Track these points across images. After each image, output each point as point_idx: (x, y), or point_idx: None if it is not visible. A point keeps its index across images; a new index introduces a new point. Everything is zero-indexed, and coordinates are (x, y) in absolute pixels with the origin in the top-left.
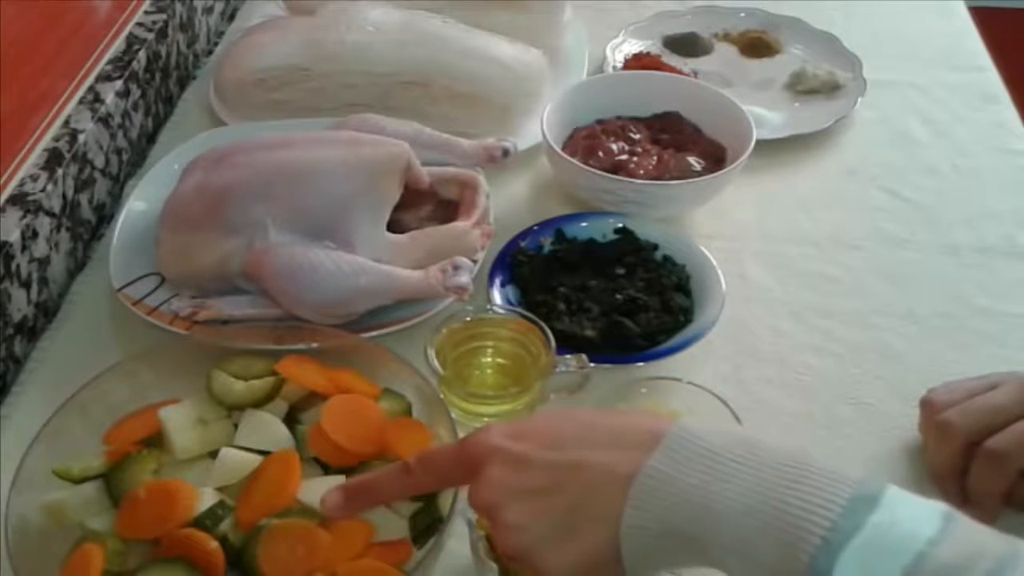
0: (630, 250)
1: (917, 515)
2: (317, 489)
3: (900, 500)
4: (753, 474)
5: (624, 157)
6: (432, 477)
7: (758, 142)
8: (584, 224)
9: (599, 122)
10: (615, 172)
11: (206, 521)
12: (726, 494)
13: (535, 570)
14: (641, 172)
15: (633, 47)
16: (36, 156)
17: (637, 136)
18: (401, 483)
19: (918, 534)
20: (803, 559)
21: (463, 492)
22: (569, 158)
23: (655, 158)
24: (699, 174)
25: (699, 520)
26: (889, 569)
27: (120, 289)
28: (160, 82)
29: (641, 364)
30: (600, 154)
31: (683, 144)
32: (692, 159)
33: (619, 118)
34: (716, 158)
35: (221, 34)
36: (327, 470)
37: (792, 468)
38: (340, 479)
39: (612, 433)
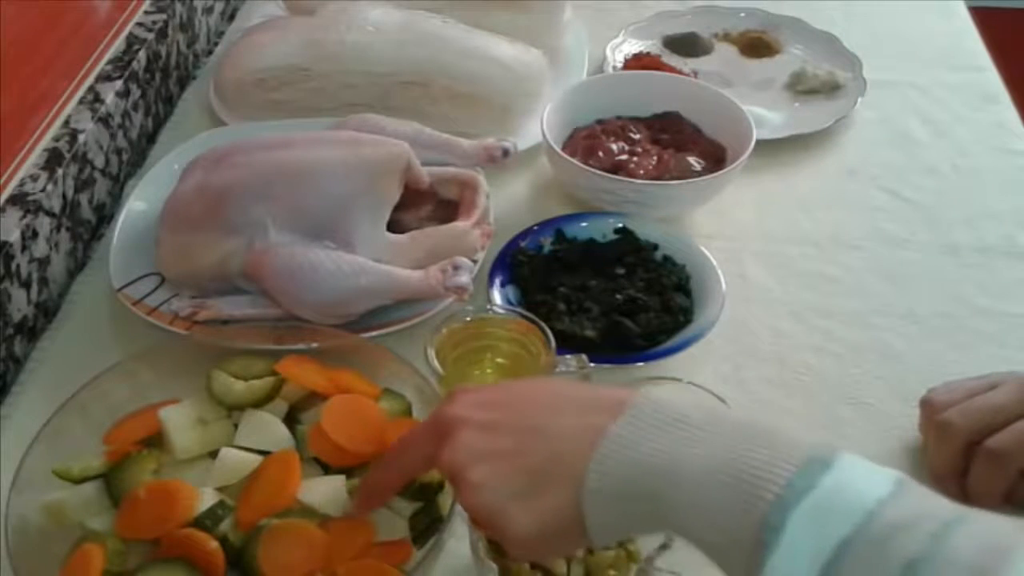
0: (630, 250)
1: (870, 479)
2: (317, 489)
3: (854, 464)
4: (714, 437)
5: (624, 157)
6: (410, 459)
7: (758, 142)
8: (584, 224)
9: (599, 122)
10: (615, 172)
11: (206, 521)
12: (687, 455)
13: (497, 532)
14: (641, 172)
15: (633, 47)
16: (36, 156)
17: (637, 136)
18: (386, 474)
19: (868, 495)
20: (756, 515)
21: None
22: (569, 158)
23: (655, 158)
24: (699, 174)
25: (660, 480)
26: (838, 526)
27: (120, 289)
28: (160, 82)
29: (641, 364)
30: (600, 154)
31: (683, 144)
32: (692, 159)
33: (619, 118)
34: (716, 158)
35: (221, 34)
36: (327, 470)
37: (752, 432)
38: (340, 479)
39: (580, 401)
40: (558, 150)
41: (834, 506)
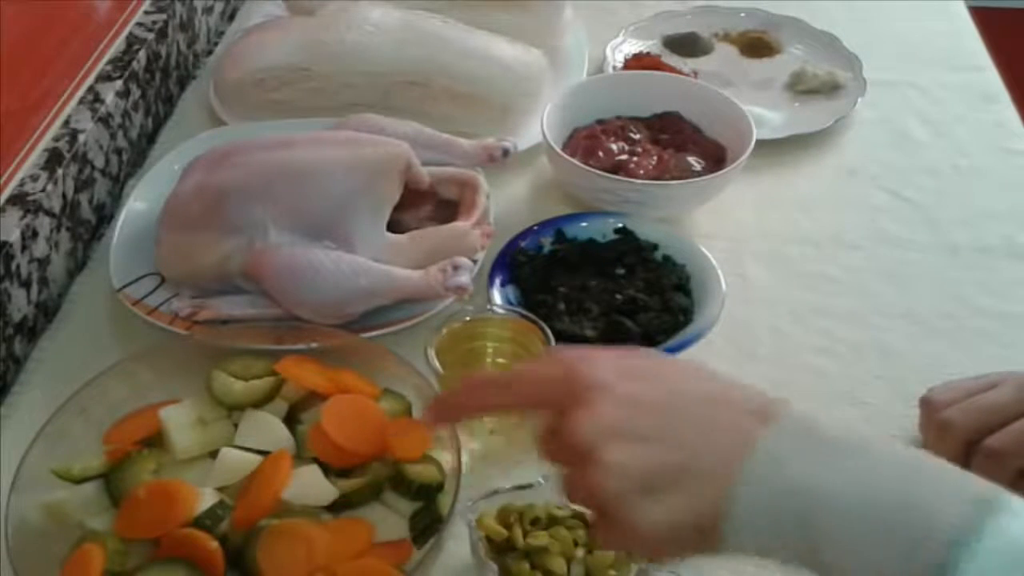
0: (630, 250)
1: None
2: (299, 484)
3: (1016, 504)
4: (876, 466)
5: (624, 157)
6: (529, 396)
7: (758, 142)
8: (584, 224)
9: (599, 122)
10: (615, 172)
11: (206, 521)
12: (848, 483)
13: (617, 522)
14: (641, 172)
15: (633, 47)
16: (36, 156)
17: (637, 136)
18: (497, 396)
19: None
20: (928, 558)
21: (463, 492)
22: (569, 158)
23: (655, 158)
24: (699, 174)
25: (814, 505)
26: (1013, 572)
27: (120, 289)
28: (160, 82)
29: None
30: (600, 154)
31: (683, 144)
32: (692, 159)
33: (619, 118)
34: (716, 158)
35: (221, 34)
36: (327, 470)
37: (915, 465)
38: (314, 469)
39: (726, 394)
40: (558, 150)
41: (1005, 550)
